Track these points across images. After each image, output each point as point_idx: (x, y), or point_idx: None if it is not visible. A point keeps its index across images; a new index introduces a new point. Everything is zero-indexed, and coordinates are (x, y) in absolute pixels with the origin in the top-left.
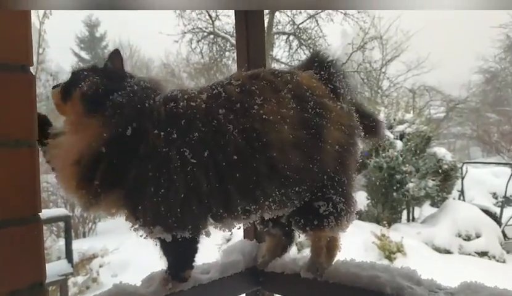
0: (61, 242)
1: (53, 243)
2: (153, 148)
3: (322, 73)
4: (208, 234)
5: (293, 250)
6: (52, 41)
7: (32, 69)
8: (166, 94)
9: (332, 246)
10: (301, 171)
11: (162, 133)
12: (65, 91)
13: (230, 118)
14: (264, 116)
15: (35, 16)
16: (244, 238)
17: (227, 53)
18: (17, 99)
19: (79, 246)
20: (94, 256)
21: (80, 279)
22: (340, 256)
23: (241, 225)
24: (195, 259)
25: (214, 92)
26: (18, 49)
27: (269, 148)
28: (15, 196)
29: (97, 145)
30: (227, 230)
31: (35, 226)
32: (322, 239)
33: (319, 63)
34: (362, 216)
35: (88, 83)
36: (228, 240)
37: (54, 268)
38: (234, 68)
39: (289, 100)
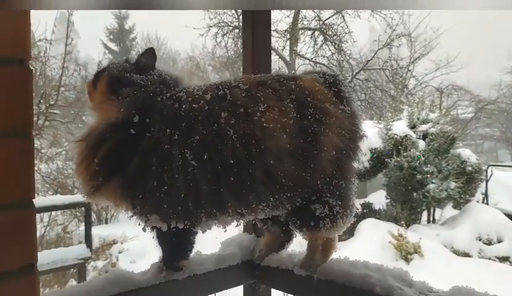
0: (83, 227)
1: (76, 228)
2: (157, 143)
3: (327, 77)
4: (204, 230)
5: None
6: (83, 32)
7: (60, 60)
8: (173, 94)
9: (328, 246)
10: (294, 178)
11: (168, 130)
12: (96, 76)
13: (231, 123)
14: (264, 124)
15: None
16: (244, 232)
17: None
18: (14, 92)
19: (101, 232)
20: (114, 242)
21: (100, 263)
22: (357, 255)
23: (238, 222)
24: (191, 251)
25: (219, 92)
26: (16, 43)
27: (267, 155)
28: (8, 182)
29: (103, 127)
30: (221, 226)
31: (27, 211)
32: (318, 238)
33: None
34: (380, 215)
35: (116, 66)
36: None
37: (73, 252)
38: None
39: (290, 110)
